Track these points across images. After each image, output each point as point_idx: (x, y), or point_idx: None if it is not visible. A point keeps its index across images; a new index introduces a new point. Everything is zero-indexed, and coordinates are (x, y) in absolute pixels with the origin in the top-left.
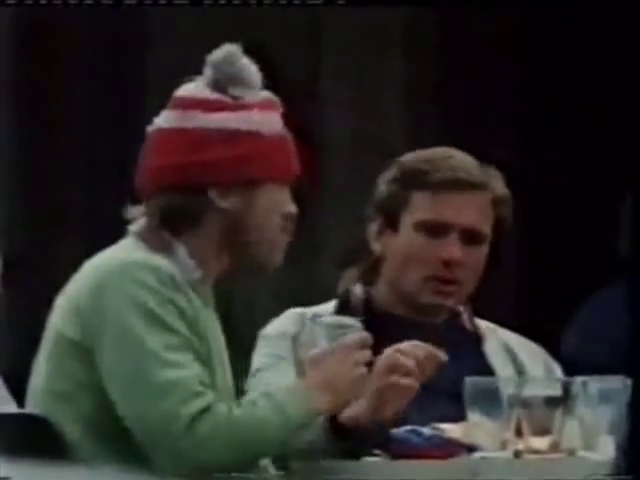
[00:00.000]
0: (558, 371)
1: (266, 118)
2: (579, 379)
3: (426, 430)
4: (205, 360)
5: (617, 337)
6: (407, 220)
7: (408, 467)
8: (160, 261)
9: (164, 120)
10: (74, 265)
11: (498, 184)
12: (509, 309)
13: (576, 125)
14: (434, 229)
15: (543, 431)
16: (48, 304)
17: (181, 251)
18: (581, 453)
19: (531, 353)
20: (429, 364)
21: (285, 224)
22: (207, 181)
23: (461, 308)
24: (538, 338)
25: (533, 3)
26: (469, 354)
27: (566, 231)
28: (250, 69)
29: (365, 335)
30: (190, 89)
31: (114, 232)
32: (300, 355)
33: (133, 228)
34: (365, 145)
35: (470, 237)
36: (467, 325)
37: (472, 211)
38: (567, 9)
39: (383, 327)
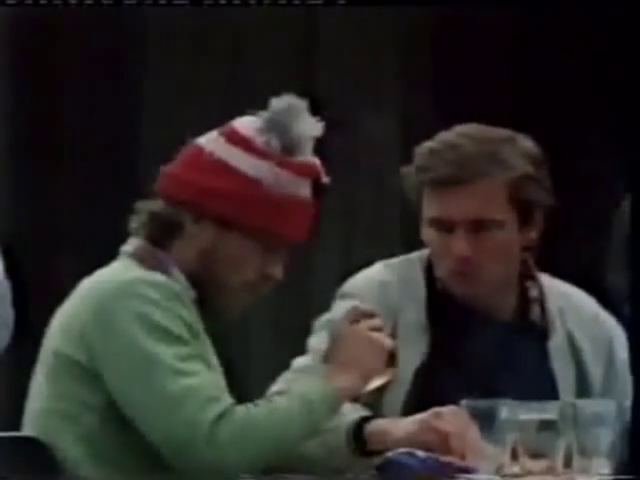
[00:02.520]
0: (621, 361)
1: (282, 176)
2: (574, 402)
3: (421, 452)
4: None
5: None
6: (424, 215)
7: None
8: (160, 277)
9: (207, 136)
10: (72, 281)
11: (512, 166)
12: None
13: (571, 148)
14: (442, 226)
15: (539, 454)
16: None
17: (175, 270)
18: (577, 476)
19: (595, 343)
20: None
21: (259, 284)
22: (184, 200)
23: (534, 293)
24: None
25: (533, 3)
26: (532, 355)
27: (557, 256)
28: (302, 128)
29: (361, 308)
30: (243, 121)
31: (114, 242)
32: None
33: (126, 249)
34: (362, 170)
35: (478, 227)
36: (536, 318)
37: (474, 202)
38: (567, 9)
39: (455, 319)
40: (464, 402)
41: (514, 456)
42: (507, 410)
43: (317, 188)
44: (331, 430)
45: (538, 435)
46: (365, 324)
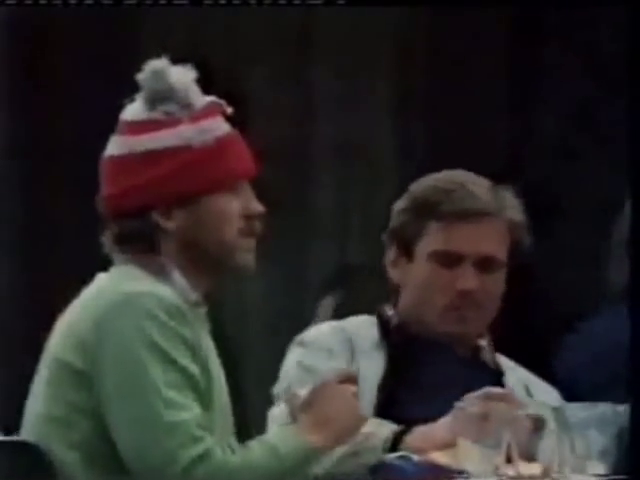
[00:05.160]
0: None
1: (198, 128)
2: (570, 405)
3: (416, 456)
4: (206, 389)
5: (612, 361)
6: (421, 250)
7: None
8: (165, 291)
9: (109, 147)
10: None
11: (513, 208)
12: (504, 333)
13: (572, 149)
14: (448, 259)
15: (533, 457)
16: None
17: (175, 274)
18: (572, 479)
19: (546, 395)
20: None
21: (248, 225)
22: (145, 205)
23: (483, 343)
24: (529, 364)
25: (531, 5)
26: (488, 383)
27: (559, 255)
28: (179, 81)
29: (348, 371)
30: (128, 111)
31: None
32: (291, 403)
33: (125, 254)
34: (354, 159)
35: (486, 265)
36: (488, 361)
37: (487, 239)
38: (566, 10)
39: (412, 351)
40: (457, 404)
41: (508, 458)
42: (502, 412)
43: (229, 120)
44: (369, 450)
45: (532, 438)
46: (351, 388)
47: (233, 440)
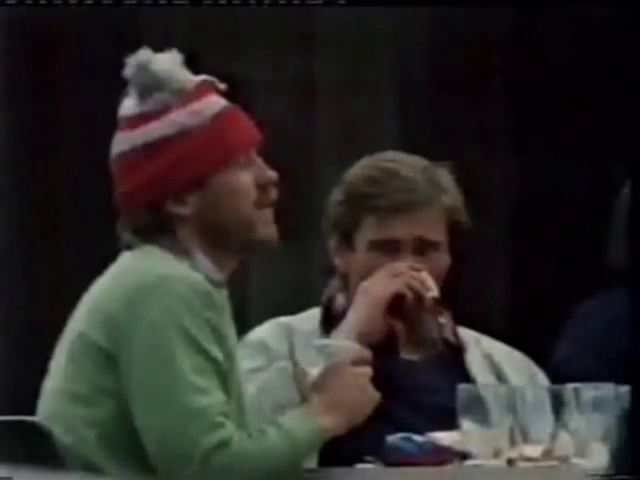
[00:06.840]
0: (543, 381)
1: (190, 111)
2: (571, 386)
3: (419, 437)
4: (228, 375)
5: (608, 346)
6: (361, 240)
7: (400, 474)
8: (196, 276)
9: (113, 145)
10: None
11: (449, 192)
12: (499, 318)
13: (573, 133)
14: (386, 247)
15: (536, 439)
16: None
17: (198, 255)
18: (575, 461)
19: (515, 363)
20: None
21: (263, 195)
22: (155, 198)
23: (442, 320)
24: (528, 347)
25: (531, 3)
26: (450, 366)
27: (559, 239)
28: (164, 69)
29: (363, 352)
30: (124, 106)
31: (114, 241)
32: (300, 380)
33: (145, 244)
34: (357, 147)
35: (424, 248)
36: (448, 336)
37: (422, 225)
38: (565, 9)
39: None
40: (461, 387)
41: (512, 441)
42: (503, 394)
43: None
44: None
45: (534, 419)
46: (363, 369)
47: (249, 426)
